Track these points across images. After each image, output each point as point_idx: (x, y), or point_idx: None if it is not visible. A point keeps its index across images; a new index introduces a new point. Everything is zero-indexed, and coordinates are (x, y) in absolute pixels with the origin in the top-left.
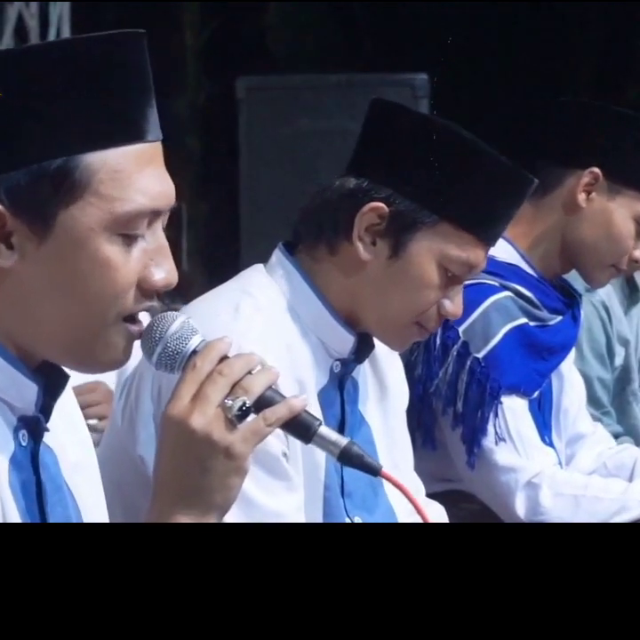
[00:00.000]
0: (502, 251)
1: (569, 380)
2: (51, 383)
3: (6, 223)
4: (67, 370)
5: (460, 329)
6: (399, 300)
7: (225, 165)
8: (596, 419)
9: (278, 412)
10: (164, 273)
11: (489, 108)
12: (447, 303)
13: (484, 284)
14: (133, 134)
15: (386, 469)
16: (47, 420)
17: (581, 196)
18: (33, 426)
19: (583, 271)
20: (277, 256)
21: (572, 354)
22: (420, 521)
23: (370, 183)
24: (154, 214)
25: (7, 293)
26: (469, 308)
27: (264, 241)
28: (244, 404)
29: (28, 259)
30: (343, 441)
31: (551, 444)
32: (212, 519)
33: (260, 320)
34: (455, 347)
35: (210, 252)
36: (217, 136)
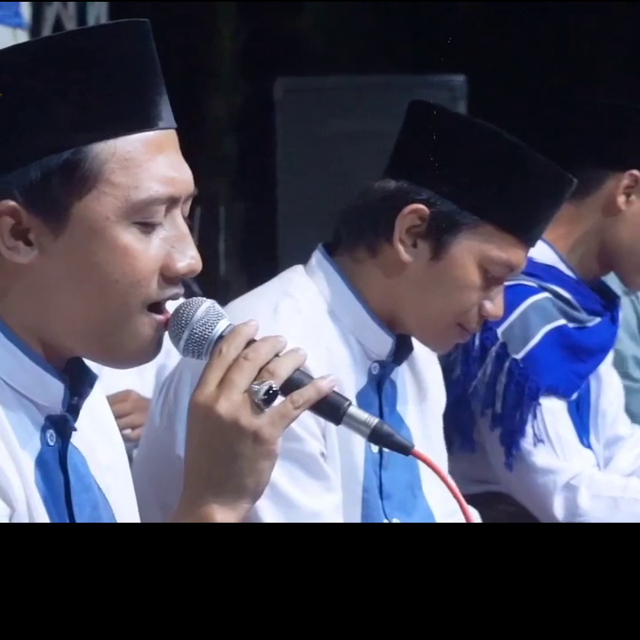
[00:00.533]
0: (540, 252)
1: (607, 382)
2: (78, 382)
3: (22, 220)
4: (95, 370)
5: (499, 330)
6: (440, 301)
7: (262, 167)
8: (631, 392)
9: (306, 394)
10: (188, 259)
11: (528, 109)
12: (488, 304)
13: (523, 285)
14: (142, 122)
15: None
16: (75, 419)
17: (621, 199)
18: (60, 425)
19: (621, 273)
20: (317, 257)
21: (610, 355)
22: (460, 521)
23: (410, 185)
24: (170, 201)
25: (29, 290)
26: (508, 309)
27: (301, 242)
28: (271, 387)
29: (46, 253)
30: (373, 420)
31: (589, 446)
32: (244, 504)
33: (299, 321)
34: (494, 348)
35: (247, 254)
36: (254, 137)
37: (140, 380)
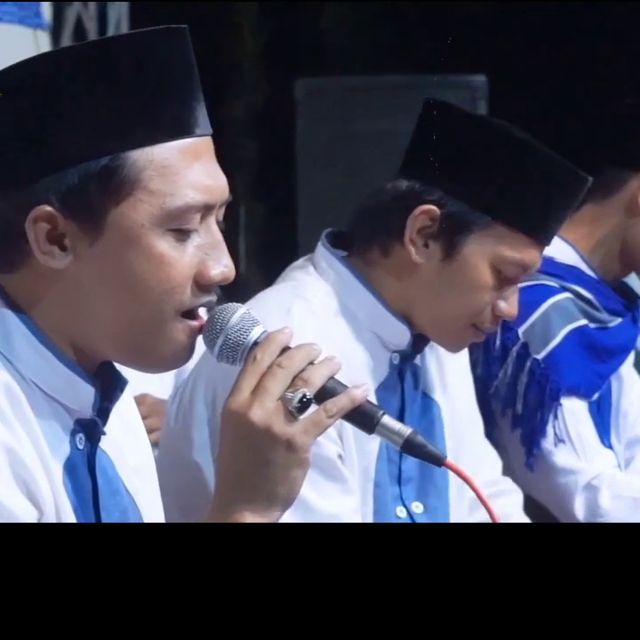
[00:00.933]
0: (561, 252)
1: (629, 383)
2: (108, 387)
3: (58, 225)
4: (125, 374)
5: (520, 330)
6: (453, 302)
7: (282, 167)
8: None
9: (339, 402)
10: (221, 267)
11: (549, 108)
12: (502, 304)
13: (544, 285)
14: (179, 129)
15: (450, 460)
16: (104, 423)
17: None
18: (90, 429)
19: None
20: (325, 257)
21: (632, 356)
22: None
23: (422, 185)
24: (206, 209)
25: (63, 295)
26: (529, 309)
27: None
28: (304, 395)
29: (81, 259)
30: (406, 431)
31: (610, 447)
32: (275, 511)
33: (313, 322)
34: (515, 348)
35: (267, 255)
36: (275, 138)
37: (160, 381)
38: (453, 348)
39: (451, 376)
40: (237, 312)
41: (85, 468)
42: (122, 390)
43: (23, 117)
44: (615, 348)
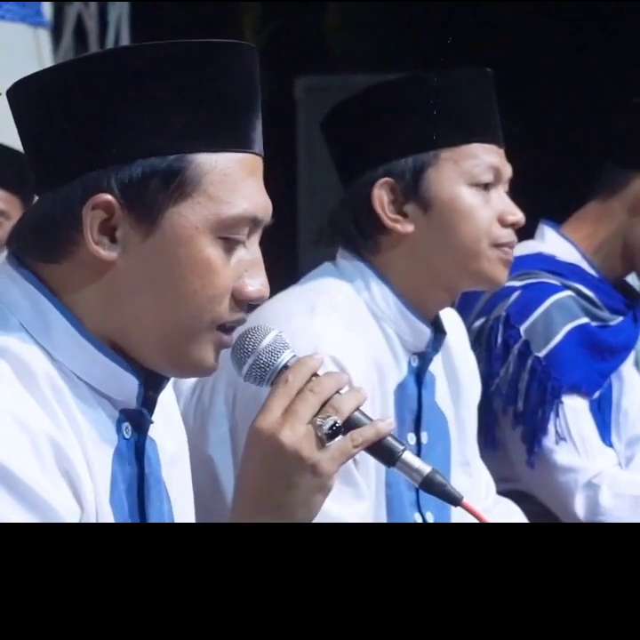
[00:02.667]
0: (564, 251)
1: (629, 382)
2: (153, 375)
3: (114, 215)
4: None
5: (522, 328)
6: (463, 233)
7: (283, 166)
8: None
9: (365, 433)
10: (258, 285)
11: (554, 108)
12: (504, 211)
13: (546, 283)
14: (243, 143)
15: (466, 500)
16: (151, 412)
17: None
18: (136, 419)
19: None
20: (344, 255)
21: (632, 355)
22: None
23: (366, 172)
24: (254, 223)
25: (106, 286)
26: (531, 306)
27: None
28: (335, 423)
29: (129, 253)
30: (426, 469)
31: (611, 445)
32: None
33: (337, 319)
34: (516, 345)
35: (268, 252)
36: (275, 136)
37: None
38: (496, 274)
39: (463, 391)
40: (269, 334)
41: (133, 457)
42: (167, 380)
43: (100, 103)
44: (616, 347)
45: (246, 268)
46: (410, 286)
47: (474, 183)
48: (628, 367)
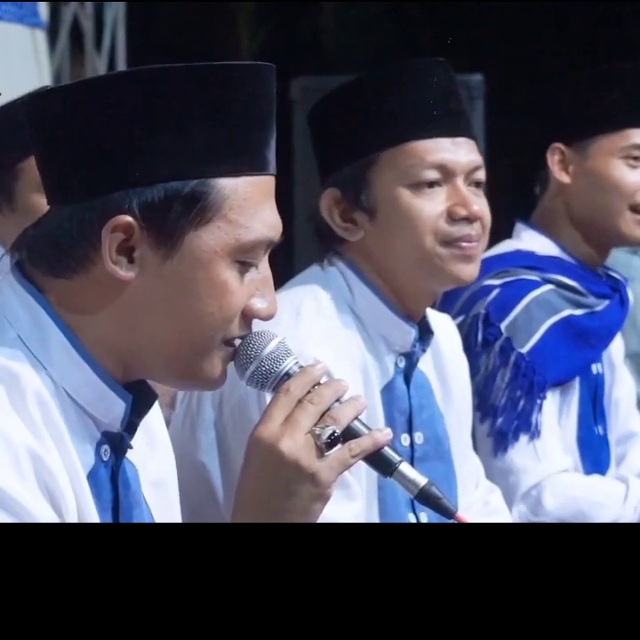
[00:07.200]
0: (542, 245)
1: (620, 376)
2: (139, 401)
3: (133, 236)
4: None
5: (502, 325)
6: (406, 236)
7: (279, 166)
8: None
9: (363, 444)
10: (267, 303)
11: (545, 109)
12: (454, 206)
13: (524, 279)
14: (261, 165)
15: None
16: (131, 437)
17: (561, 175)
18: (116, 442)
19: (610, 234)
20: (330, 258)
21: (621, 350)
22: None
23: (324, 180)
24: (267, 245)
25: (121, 306)
26: (510, 303)
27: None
28: (334, 432)
29: (147, 274)
30: (422, 481)
31: (605, 435)
32: None
33: (323, 322)
34: (497, 342)
35: None
36: None
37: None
38: (463, 272)
39: (452, 395)
40: (273, 341)
41: (108, 481)
42: (151, 405)
43: (124, 124)
44: (603, 331)
45: (258, 286)
46: (385, 288)
47: (413, 183)
48: (619, 359)
